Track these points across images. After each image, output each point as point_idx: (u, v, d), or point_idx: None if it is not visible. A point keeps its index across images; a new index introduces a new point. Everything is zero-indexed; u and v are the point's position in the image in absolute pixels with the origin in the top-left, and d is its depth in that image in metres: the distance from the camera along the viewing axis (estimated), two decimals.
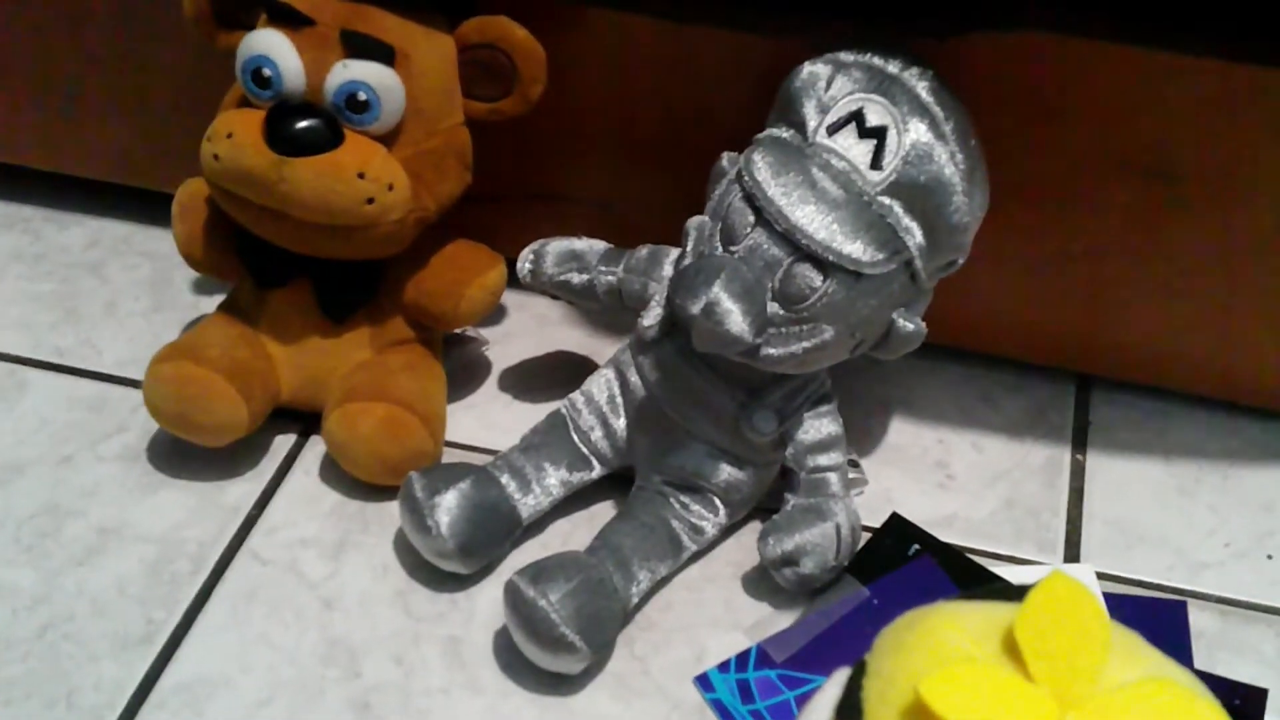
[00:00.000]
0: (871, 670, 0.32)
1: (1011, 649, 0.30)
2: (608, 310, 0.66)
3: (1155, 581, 0.61)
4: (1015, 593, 0.32)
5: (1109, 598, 0.58)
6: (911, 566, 0.61)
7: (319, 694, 0.56)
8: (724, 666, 0.57)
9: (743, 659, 0.57)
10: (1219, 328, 0.66)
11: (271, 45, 0.58)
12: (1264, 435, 0.68)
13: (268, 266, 0.64)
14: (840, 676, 0.35)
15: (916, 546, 0.61)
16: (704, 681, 0.57)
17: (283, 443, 0.67)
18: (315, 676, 0.57)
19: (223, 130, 0.58)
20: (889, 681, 0.31)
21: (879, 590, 0.59)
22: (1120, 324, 0.67)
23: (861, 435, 0.68)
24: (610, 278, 0.64)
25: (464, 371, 0.71)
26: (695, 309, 0.54)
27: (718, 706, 0.56)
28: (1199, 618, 0.59)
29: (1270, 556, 0.62)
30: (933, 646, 0.31)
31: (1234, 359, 0.67)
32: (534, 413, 0.65)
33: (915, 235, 0.54)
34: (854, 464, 0.65)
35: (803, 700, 0.55)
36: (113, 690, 0.56)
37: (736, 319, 0.54)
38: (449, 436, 0.66)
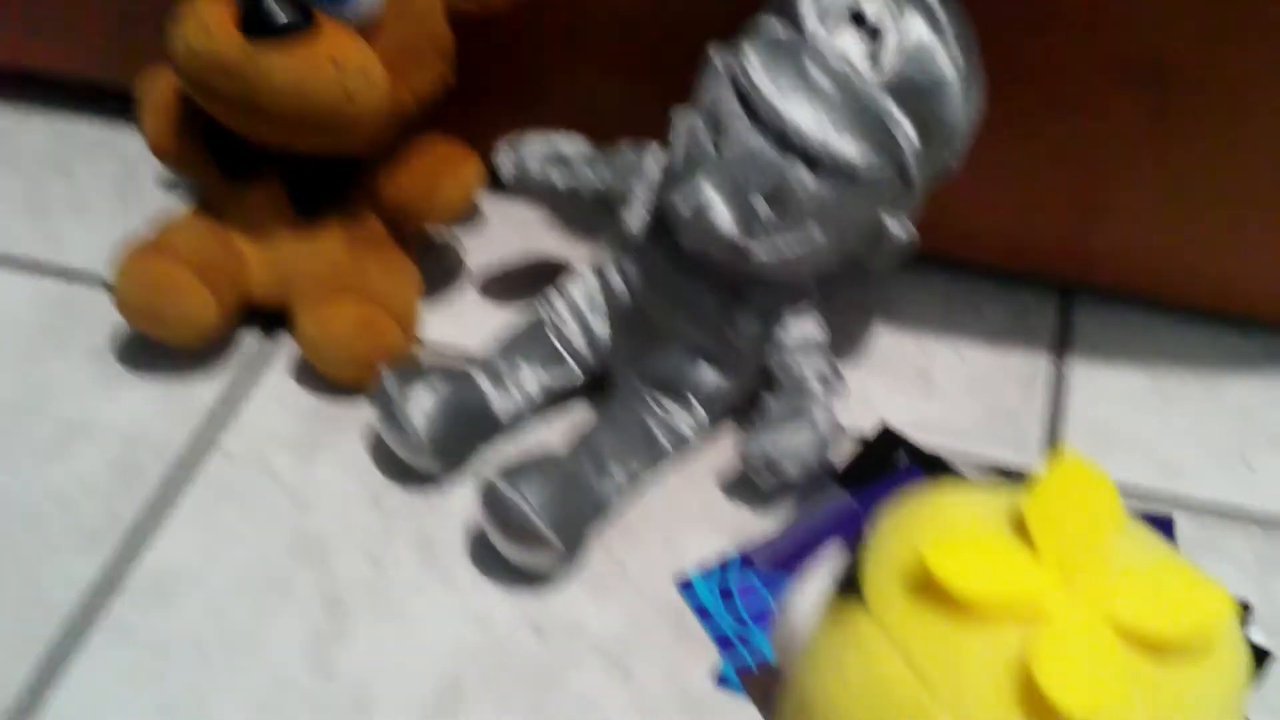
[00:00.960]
0: (873, 546, 0.32)
1: (1019, 529, 0.29)
2: (590, 210, 0.64)
3: (1134, 485, 0.61)
4: (1023, 481, 0.32)
5: None
6: (899, 477, 0.60)
7: (290, 589, 0.56)
8: (706, 570, 0.57)
9: (725, 563, 0.57)
10: (1206, 237, 0.65)
11: None
12: (1245, 344, 0.67)
13: (238, 160, 0.63)
14: (836, 553, 0.34)
15: (906, 459, 0.61)
16: (685, 585, 0.56)
17: (254, 341, 0.66)
18: (286, 572, 0.56)
19: (194, 18, 0.56)
20: (891, 554, 0.30)
21: (865, 499, 0.59)
22: (1107, 232, 0.66)
23: (844, 342, 0.67)
24: (595, 180, 0.62)
25: (441, 275, 0.70)
26: (683, 206, 0.53)
27: (699, 609, 0.55)
28: (1178, 524, 0.59)
29: (1249, 464, 0.62)
30: (937, 522, 0.31)
31: (1218, 268, 0.66)
32: (511, 316, 0.64)
33: (910, 136, 0.53)
34: (835, 370, 0.64)
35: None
36: (81, 583, 0.55)
37: (725, 217, 0.53)
38: (424, 338, 0.65)
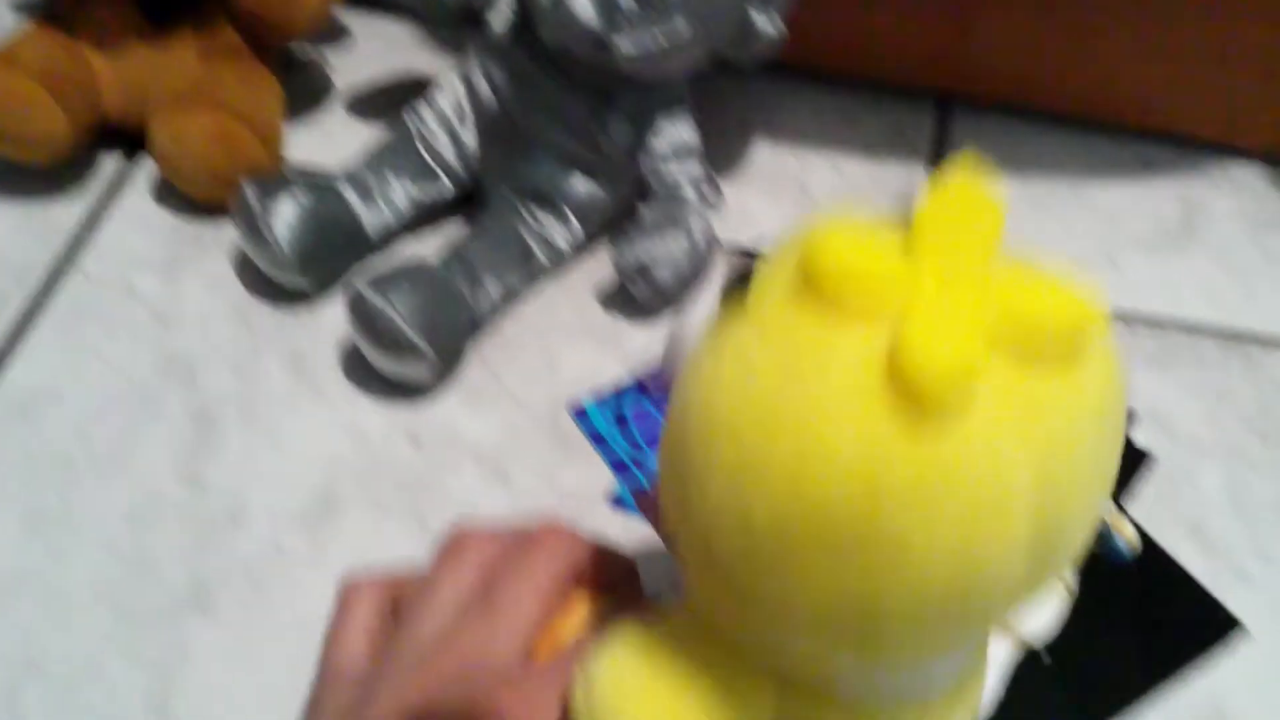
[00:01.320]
0: (767, 256, 0.30)
1: (906, 241, 0.28)
2: (449, 18, 0.62)
3: None
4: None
5: None
6: None
7: (156, 406, 0.54)
8: (599, 397, 0.57)
9: (618, 390, 0.57)
10: (1074, 46, 0.65)
11: None
12: (1115, 150, 0.68)
13: None
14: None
15: None
16: (579, 412, 0.56)
17: (112, 161, 0.63)
18: (152, 389, 0.55)
19: None
20: (778, 260, 0.29)
21: None
22: (980, 42, 0.66)
23: (722, 156, 0.66)
24: None
25: (306, 94, 0.67)
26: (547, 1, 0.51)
27: (593, 434, 0.55)
28: None
29: (1116, 265, 0.63)
30: (830, 226, 0.29)
31: (1086, 76, 0.67)
32: (380, 134, 0.62)
33: None
34: (711, 180, 0.64)
35: None
36: None
37: (584, 5, 0.51)
38: (289, 155, 0.63)
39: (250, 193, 0.56)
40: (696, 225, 0.58)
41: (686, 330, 0.34)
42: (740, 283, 0.30)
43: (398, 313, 0.53)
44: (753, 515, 0.27)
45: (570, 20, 0.51)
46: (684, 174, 0.60)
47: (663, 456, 0.30)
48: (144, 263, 0.60)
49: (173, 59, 0.61)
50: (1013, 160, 0.68)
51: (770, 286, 0.28)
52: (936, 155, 0.68)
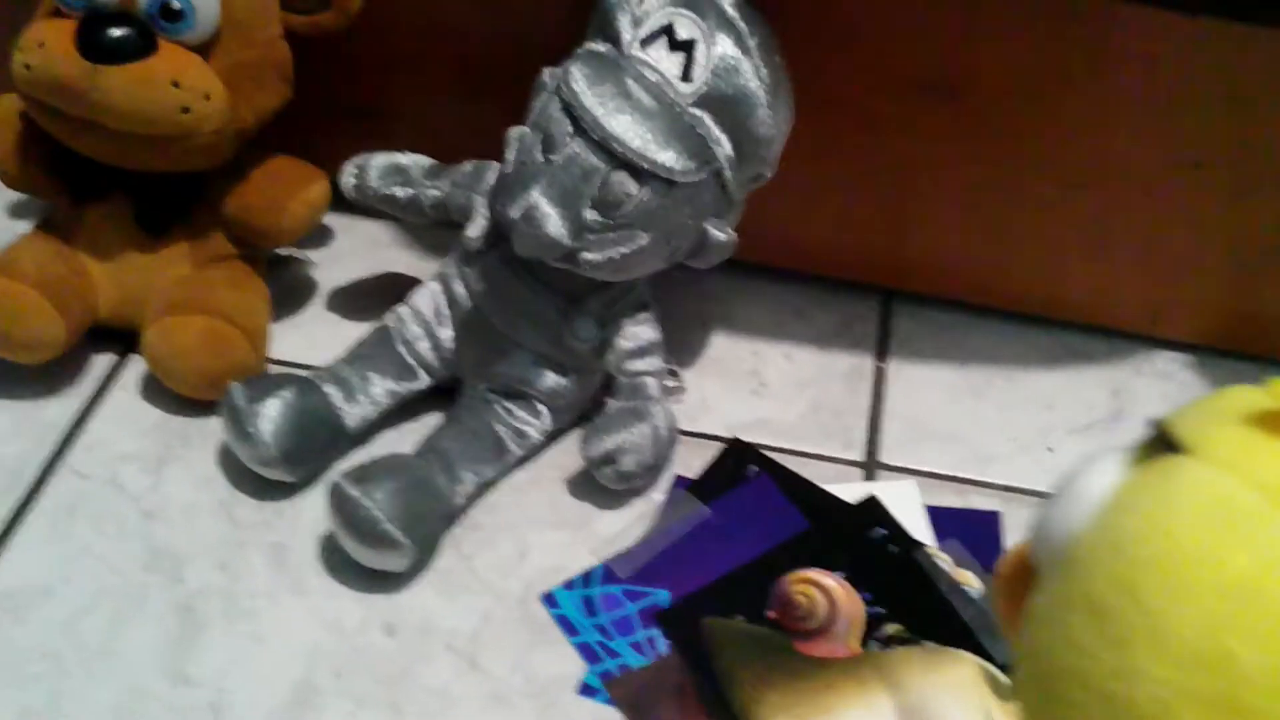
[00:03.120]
0: (1182, 414, 0.30)
1: None
2: (432, 225, 0.67)
3: (947, 473, 0.66)
4: None
5: (932, 510, 0.63)
6: (750, 486, 0.63)
7: (142, 600, 0.57)
8: (569, 584, 0.59)
9: (587, 576, 0.59)
10: (1007, 245, 0.71)
11: None
12: (1048, 340, 0.73)
13: (83, 181, 0.64)
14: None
15: (754, 468, 0.64)
16: (549, 599, 0.59)
17: (102, 360, 0.67)
18: (138, 584, 0.57)
19: (34, 40, 0.58)
20: (1213, 410, 0.29)
21: (719, 509, 0.62)
22: (920, 239, 0.72)
23: (681, 347, 0.71)
24: (435, 191, 0.65)
25: (290, 293, 0.71)
26: (515, 213, 0.56)
27: (563, 621, 0.58)
28: (986, 504, 0.64)
29: (1050, 449, 0.68)
30: (1263, 388, 0.29)
31: (1018, 271, 0.72)
32: (361, 332, 0.66)
33: (724, 146, 0.57)
34: (673, 373, 0.68)
35: (645, 613, 0.57)
36: None
37: (555, 222, 0.56)
38: (274, 355, 0.67)
39: (237, 394, 0.59)
40: (660, 416, 0.62)
41: (1081, 499, 0.31)
42: (1155, 445, 0.30)
43: (377, 507, 0.55)
44: (1238, 661, 0.26)
45: (542, 236, 0.56)
46: (647, 368, 0.64)
47: (1063, 619, 0.29)
48: (131, 457, 0.62)
49: (166, 264, 0.65)
50: (953, 350, 0.72)
51: (1218, 431, 0.28)
52: (882, 344, 0.73)
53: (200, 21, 0.58)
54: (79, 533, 0.59)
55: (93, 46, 0.57)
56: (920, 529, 0.62)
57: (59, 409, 0.64)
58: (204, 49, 0.59)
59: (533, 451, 0.64)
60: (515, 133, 0.59)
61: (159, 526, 0.60)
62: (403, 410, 0.65)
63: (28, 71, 0.58)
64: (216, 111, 0.59)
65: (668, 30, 0.57)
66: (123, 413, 0.64)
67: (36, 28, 0.58)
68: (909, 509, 0.62)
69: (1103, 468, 0.31)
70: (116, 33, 0.57)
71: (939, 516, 0.63)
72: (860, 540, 0.61)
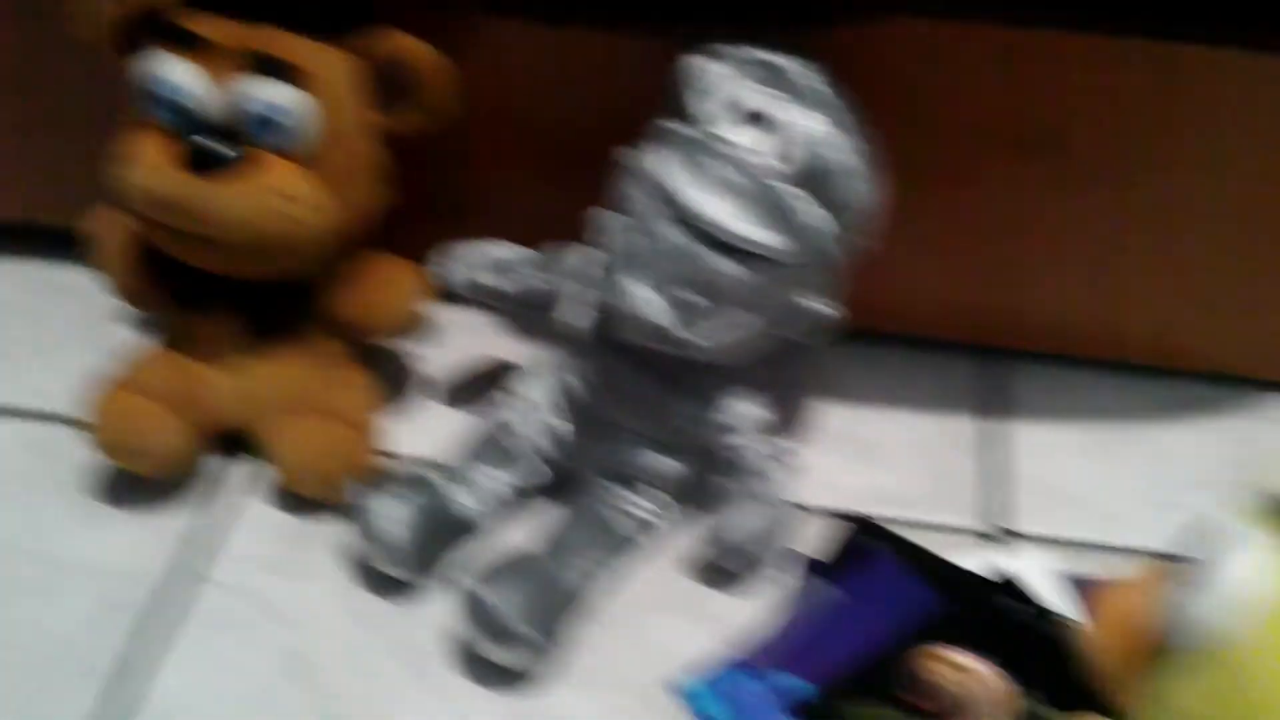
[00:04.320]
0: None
1: None
2: (534, 314, 0.67)
3: (1078, 539, 0.64)
4: None
5: (1066, 578, 0.61)
6: (874, 562, 0.62)
7: (283, 711, 0.57)
8: (700, 674, 0.58)
9: (718, 665, 0.58)
10: (1118, 293, 0.69)
11: (176, 69, 0.58)
12: (1169, 393, 0.71)
13: (194, 292, 0.65)
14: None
15: (879, 543, 0.63)
16: (681, 690, 0.58)
17: (224, 466, 0.68)
18: (277, 694, 0.57)
19: (136, 156, 0.59)
20: None
21: (844, 588, 0.61)
22: (1028, 296, 0.70)
23: (788, 419, 0.70)
24: (533, 281, 0.65)
25: (394, 383, 0.72)
26: (617, 301, 0.56)
27: (698, 714, 0.57)
28: (1123, 570, 0.62)
29: (1182, 508, 0.66)
30: None
31: (1135, 322, 0.70)
32: (470, 420, 0.66)
33: (820, 220, 0.57)
34: (781, 445, 0.67)
35: (782, 703, 0.56)
36: None
37: (657, 308, 0.56)
38: (385, 447, 0.67)
39: (361, 497, 0.60)
40: (775, 495, 0.62)
41: (1229, 587, 0.31)
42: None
43: (508, 607, 0.56)
44: None
45: (646, 324, 0.56)
46: (757, 447, 0.63)
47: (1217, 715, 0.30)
48: (258, 562, 0.63)
49: (280, 368, 0.66)
50: (1071, 408, 0.71)
51: None
52: (996, 406, 0.71)
53: (302, 131, 0.59)
54: (214, 643, 0.60)
55: (200, 163, 0.58)
56: (1056, 599, 0.60)
57: (186, 518, 0.65)
58: (306, 157, 0.60)
59: (652, 533, 0.64)
60: (608, 220, 0.59)
61: (291, 632, 0.60)
62: (516, 498, 0.65)
63: (137, 189, 0.59)
64: (320, 219, 0.60)
65: (756, 109, 0.56)
66: (247, 517, 0.65)
67: (140, 143, 0.59)
68: (1042, 578, 0.61)
69: (1246, 556, 0.32)
70: (220, 147, 0.58)
71: (1074, 585, 0.61)
72: (995, 614, 0.59)
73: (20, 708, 0.56)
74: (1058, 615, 0.59)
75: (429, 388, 0.72)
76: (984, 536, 0.65)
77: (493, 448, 0.64)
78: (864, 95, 0.58)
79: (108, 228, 0.66)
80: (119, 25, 0.60)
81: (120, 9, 0.60)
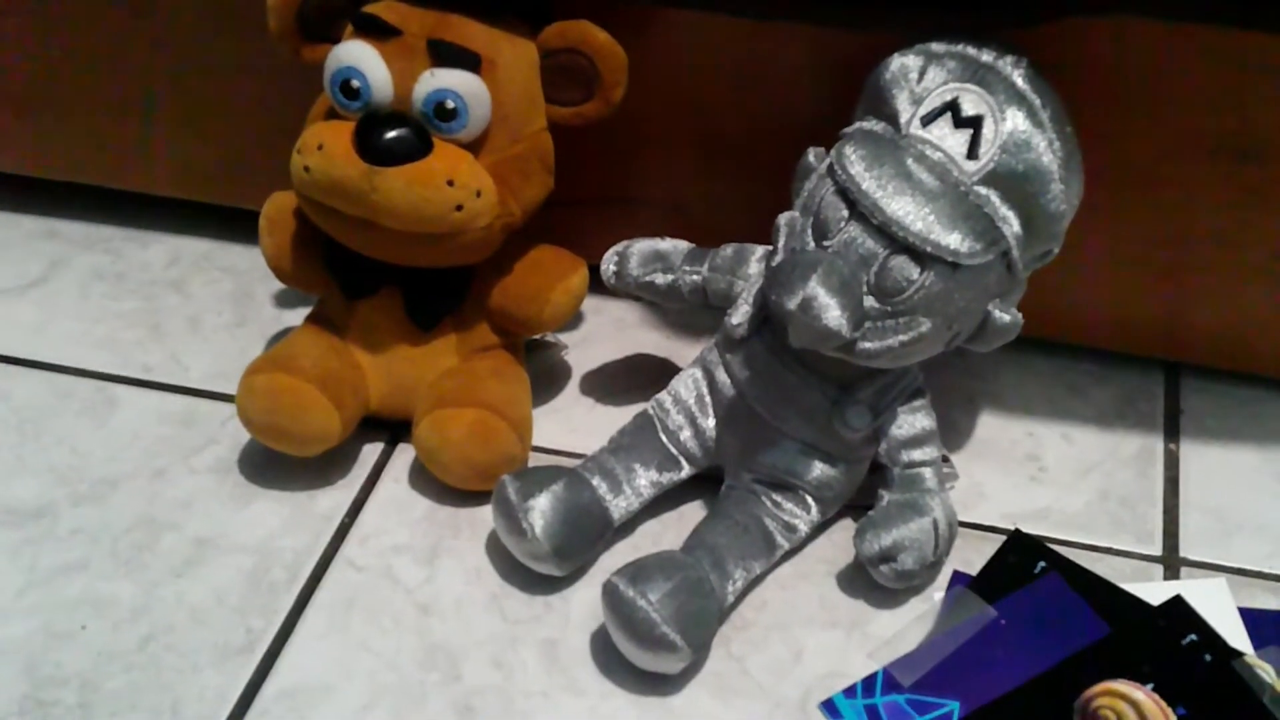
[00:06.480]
0: None
1: None
2: (691, 310, 0.66)
3: (1259, 569, 0.60)
4: None
5: (1246, 612, 0.58)
6: (1038, 585, 0.59)
7: (421, 698, 0.56)
8: (850, 691, 0.56)
9: (869, 683, 0.56)
10: None
11: (360, 57, 0.58)
12: None
13: (356, 277, 0.65)
14: None
15: (1043, 564, 0.60)
16: (829, 707, 0.56)
17: (372, 451, 0.68)
18: (416, 681, 0.57)
19: (313, 142, 0.59)
20: None
21: (1006, 610, 0.58)
22: (1209, 310, 0.66)
23: (950, 429, 0.67)
24: (695, 277, 0.64)
25: (546, 376, 0.71)
26: (792, 304, 0.54)
27: None
28: None
29: None
30: None
31: None
32: (617, 415, 0.65)
33: (1013, 225, 0.54)
34: (945, 459, 0.65)
35: None
36: (216, 700, 0.56)
37: (834, 313, 0.53)
38: (534, 441, 0.67)
39: (509, 488, 0.59)
40: (939, 509, 0.59)
41: None
42: None
43: (653, 609, 0.54)
44: None
45: (819, 327, 0.53)
46: (923, 458, 0.60)
47: None
48: (403, 549, 0.63)
49: (434, 356, 0.65)
50: (1249, 429, 0.67)
51: None
52: (1170, 424, 0.68)
53: (472, 119, 0.59)
54: (356, 627, 0.59)
55: (372, 148, 0.58)
56: (1234, 633, 0.56)
57: (332, 500, 0.65)
58: (474, 145, 0.60)
59: (800, 544, 0.62)
60: (785, 219, 0.57)
61: (434, 621, 0.60)
62: (664, 499, 0.63)
63: (307, 174, 0.59)
64: (487, 207, 0.60)
65: (952, 107, 0.54)
66: (394, 503, 0.65)
67: (315, 130, 0.59)
68: (1220, 611, 0.57)
69: None
70: (394, 134, 0.58)
71: (1255, 619, 0.57)
72: (1168, 647, 0.56)
73: (161, 680, 0.57)
74: (1240, 653, 0.55)
75: (582, 382, 0.72)
76: (1158, 563, 0.61)
77: (641, 445, 0.63)
78: (1074, 94, 0.55)
79: (279, 211, 0.66)
80: (305, 14, 0.61)
81: None
